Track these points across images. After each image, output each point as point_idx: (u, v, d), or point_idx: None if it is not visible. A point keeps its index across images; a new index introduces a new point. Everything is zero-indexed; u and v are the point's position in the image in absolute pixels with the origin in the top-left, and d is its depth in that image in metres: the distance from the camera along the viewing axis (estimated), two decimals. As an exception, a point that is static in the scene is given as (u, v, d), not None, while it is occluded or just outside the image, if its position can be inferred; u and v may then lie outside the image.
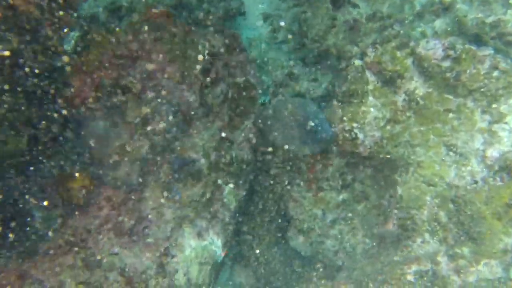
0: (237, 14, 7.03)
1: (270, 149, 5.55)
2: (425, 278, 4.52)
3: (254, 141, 5.53)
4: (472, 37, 5.62)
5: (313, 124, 5.07)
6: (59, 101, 4.43)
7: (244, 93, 5.42)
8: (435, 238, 4.63)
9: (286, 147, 5.40)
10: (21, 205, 4.36)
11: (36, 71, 4.13)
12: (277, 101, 5.78)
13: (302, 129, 5.21)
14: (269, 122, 5.45)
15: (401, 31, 5.90)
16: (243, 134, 5.47)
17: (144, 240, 4.81)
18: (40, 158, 4.41)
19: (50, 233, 4.53)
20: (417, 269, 4.55)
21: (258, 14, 7.34)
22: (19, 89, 4.07)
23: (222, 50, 5.27)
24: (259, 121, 5.44)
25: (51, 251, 4.52)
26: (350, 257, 5.32)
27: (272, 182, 5.73)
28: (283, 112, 5.39)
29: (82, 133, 4.55)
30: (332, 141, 5.22)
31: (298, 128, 5.26)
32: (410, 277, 4.51)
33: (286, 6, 7.28)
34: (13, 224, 4.33)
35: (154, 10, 4.92)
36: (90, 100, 4.58)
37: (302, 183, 5.60)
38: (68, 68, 4.48)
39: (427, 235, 4.66)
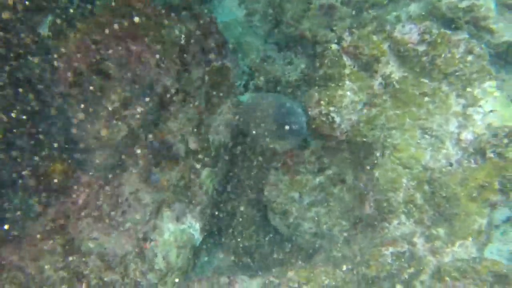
0: (212, -2, 7.03)
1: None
2: (402, 259, 4.59)
3: (231, 125, 5.56)
4: (446, 21, 5.69)
5: (287, 122, 5.12)
6: (37, 86, 4.39)
7: (221, 77, 5.43)
8: (411, 219, 4.71)
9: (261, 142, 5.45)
10: (-1, 191, 4.34)
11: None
12: (252, 97, 5.82)
13: (277, 126, 5.25)
14: (244, 118, 5.48)
15: (377, 16, 5.96)
16: (220, 118, 5.49)
17: (123, 225, 4.81)
18: (17, 144, 4.37)
19: (28, 220, 4.51)
20: (394, 250, 4.62)
21: (233, -2, 7.34)
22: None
23: (198, 33, 5.26)
24: (236, 116, 5.48)
25: (31, 237, 4.50)
26: (327, 239, 5.39)
27: (248, 165, 5.77)
28: (258, 109, 5.41)
29: (59, 119, 4.51)
30: (304, 137, 5.29)
31: (273, 125, 5.29)
32: (387, 258, 4.58)
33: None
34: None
35: (130, -6, 4.87)
36: (67, 85, 4.54)
37: (278, 166, 5.65)
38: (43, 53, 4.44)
39: (403, 217, 4.73)
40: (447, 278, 4.45)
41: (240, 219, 5.94)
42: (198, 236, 5.31)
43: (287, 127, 5.10)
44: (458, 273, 4.43)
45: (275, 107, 5.26)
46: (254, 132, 5.37)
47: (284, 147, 5.42)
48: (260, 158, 5.78)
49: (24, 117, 4.33)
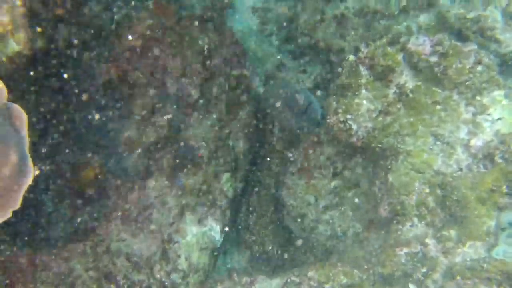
0: (227, 7, 7.22)
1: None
2: (415, 259, 4.82)
3: (249, 131, 5.79)
4: (455, 31, 5.92)
5: (303, 102, 5.37)
6: (70, 94, 4.63)
7: (240, 85, 5.66)
8: (423, 222, 4.93)
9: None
10: (33, 194, 4.55)
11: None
12: (269, 86, 6.07)
13: (293, 109, 5.50)
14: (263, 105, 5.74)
15: (388, 26, 6.19)
16: (238, 125, 5.71)
17: (149, 227, 5.03)
18: (51, 148, 4.60)
19: (61, 223, 4.74)
20: (407, 251, 4.84)
21: (247, 7, 7.54)
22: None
23: (220, 43, 5.50)
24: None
25: (62, 239, 4.73)
26: (342, 241, 5.62)
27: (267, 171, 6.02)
28: (275, 96, 5.66)
29: (91, 125, 4.75)
30: (321, 119, 5.53)
31: (289, 109, 5.54)
32: (401, 258, 4.81)
33: (274, -1, 7.51)
34: (25, 212, 4.53)
35: (158, 3, 5.09)
36: (98, 94, 4.77)
37: (295, 171, 5.88)
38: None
39: (416, 219, 4.95)
40: (458, 277, 4.68)
41: (258, 221, 6.17)
42: (218, 238, 5.54)
43: (302, 108, 5.38)
44: (468, 272, 4.66)
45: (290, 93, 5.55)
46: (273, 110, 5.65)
47: (302, 126, 5.64)
48: (277, 161, 6.03)
49: (59, 122, 4.56)
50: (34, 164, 4.24)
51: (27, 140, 2.90)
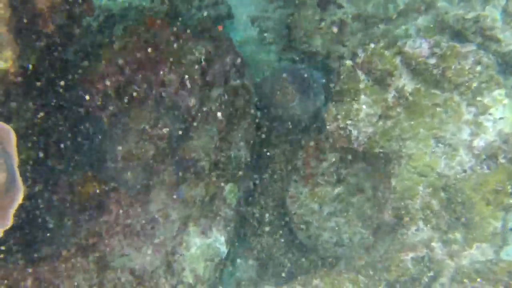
0: (225, 18, 7.23)
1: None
2: (422, 264, 4.77)
3: (251, 141, 5.77)
4: (454, 33, 5.89)
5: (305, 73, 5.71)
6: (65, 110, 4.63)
7: (239, 95, 5.64)
8: (428, 225, 4.88)
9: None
10: (35, 211, 4.55)
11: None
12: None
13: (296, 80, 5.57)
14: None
15: (386, 30, 6.17)
16: (240, 135, 5.69)
17: (152, 240, 5.01)
18: (51, 163, 4.60)
19: (63, 238, 4.73)
20: (414, 255, 4.79)
21: (245, 17, 7.55)
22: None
23: (217, 54, 5.49)
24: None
25: (65, 255, 4.72)
26: (347, 247, 5.58)
27: (270, 178, 5.99)
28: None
29: (91, 139, 4.75)
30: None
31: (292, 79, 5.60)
32: (407, 263, 4.76)
33: (273, 7, 7.50)
34: (27, 229, 4.53)
35: (151, 19, 5.10)
36: (97, 108, 4.77)
37: (298, 179, 5.85)
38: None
39: (421, 223, 4.90)
40: (465, 280, 4.62)
41: (264, 230, 6.14)
42: (223, 249, 5.50)
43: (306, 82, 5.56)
44: (476, 274, 4.61)
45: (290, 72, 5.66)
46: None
47: (307, 109, 5.67)
48: (282, 167, 6.01)
49: (58, 137, 4.56)
50: (33, 181, 4.28)
51: (15, 159, 2.88)
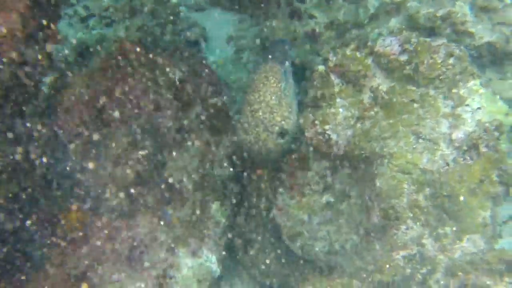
0: (200, 39, 7.28)
1: None
2: (414, 261, 4.72)
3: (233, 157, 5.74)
4: (426, 31, 5.91)
5: None
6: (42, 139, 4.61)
7: (218, 113, 5.63)
8: (418, 222, 4.84)
9: None
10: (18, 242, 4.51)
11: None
12: None
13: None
14: None
15: (359, 35, 6.20)
16: (222, 152, 5.67)
17: (142, 265, 4.96)
18: (33, 196, 4.58)
19: (50, 268, 4.68)
20: (405, 254, 4.75)
21: (221, 37, 7.60)
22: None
23: (191, 74, 5.49)
24: None
25: (55, 286, 4.66)
26: (340, 255, 5.51)
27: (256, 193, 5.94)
28: None
29: (69, 168, 4.72)
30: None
31: None
32: (399, 262, 4.71)
33: (246, 26, 7.55)
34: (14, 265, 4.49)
35: (124, 44, 5.11)
36: (72, 136, 4.76)
37: (284, 191, 5.80)
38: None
39: (409, 221, 4.86)
40: (459, 273, 4.57)
41: (255, 244, 6.08)
42: (216, 268, 5.45)
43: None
44: (469, 266, 4.56)
45: None
46: None
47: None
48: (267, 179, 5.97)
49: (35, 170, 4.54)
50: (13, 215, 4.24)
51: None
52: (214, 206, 5.53)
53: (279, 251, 6.01)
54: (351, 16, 6.49)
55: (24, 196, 4.53)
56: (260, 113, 5.61)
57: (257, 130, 5.66)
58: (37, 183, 4.61)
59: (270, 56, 5.78)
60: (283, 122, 5.64)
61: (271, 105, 5.61)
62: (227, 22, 7.66)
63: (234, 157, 5.75)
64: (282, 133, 5.66)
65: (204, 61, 5.88)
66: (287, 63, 5.81)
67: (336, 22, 6.49)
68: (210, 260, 5.41)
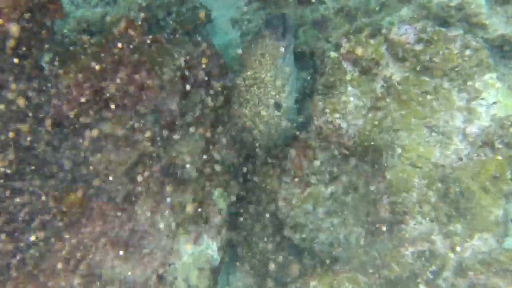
0: (205, 22, 7.07)
1: None
2: (423, 258, 4.60)
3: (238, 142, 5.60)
4: (439, 21, 5.74)
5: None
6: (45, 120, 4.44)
7: (223, 97, 5.47)
8: (427, 218, 4.71)
9: None
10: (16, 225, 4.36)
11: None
12: None
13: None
14: None
15: (370, 22, 6.02)
16: (226, 137, 5.51)
17: (141, 251, 4.81)
18: (30, 178, 4.41)
19: (47, 255, 4.53)
20: (414, 250, 4.63)
21: (226, 20, 7.41)
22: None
23: (197, 56, 5.32)
24: None
25: (52, 270, 4.51)
26: (345, 248, 5.37)
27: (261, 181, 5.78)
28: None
29: (68, 150, 4.55)
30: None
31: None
32: (408, 259, 4.59)
33: (252, 9, 7.36)
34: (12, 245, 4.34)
35: (130, 23, 4.93)
36: (72, 116, 4.58)
37: (289, 180, 5.64)
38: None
39: (419, 217, 4.73)
40: (470, 272, 4.45)
41: (257, 234, 5.93)
42: (216, 256, 5.30)
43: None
44: (480, 266, 4.43)
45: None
46: None
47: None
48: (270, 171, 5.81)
49: (35, 149, 4.37)
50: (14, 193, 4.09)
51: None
52: (217, 192, 5.37)
53: (280, 242, 5.86)
54: (362, 3, 6.31)
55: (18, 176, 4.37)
56: (255, 88, 5.62)
57: (252, 103, 5.56)
58: (39, 163, 4.44)
59: (267, 32, 5.76)
60: (277, 96, 5.59)
61: (266, 82, 5.64)
62: (233, 4, 7.48)
63: (236, 141, 5.61)
64: (277, 105, 5.54)
65: (209, 43, 5.68)
66: (287, 37, 5.78)
67: (346, 8, 6.31)
68: (211, 248, 5.27)
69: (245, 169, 5.75)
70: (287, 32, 5.79)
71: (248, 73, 5.68)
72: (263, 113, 5.67)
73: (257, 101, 5.62)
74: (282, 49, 5.69)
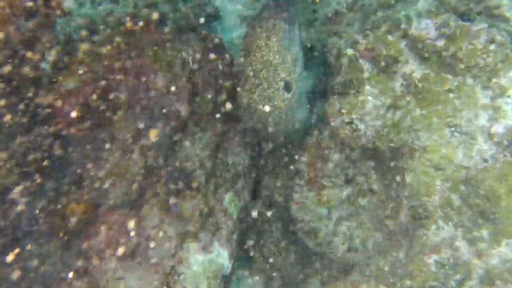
0: (213, 19, 6.85)
1: None
2: (447, 266, 4.36)
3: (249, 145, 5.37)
4: (458, 14, 5.49)
5: None
6: (46, 126, 4.23)
7: (233, 97, 5.24)
8: (450, 223, 4.47)
9: None
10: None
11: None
12: None
13: None
14: None
15: (386, 17, 5.77)
16: (236, 139, 5.29)
17: (149, 261, 4.59)
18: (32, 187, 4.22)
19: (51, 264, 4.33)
20: (436, 257, 4.39)
21: (234, 16, 7.18)
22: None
23: (206, 54, 5.10)
24: None
25: (56, 284, 4.31)
26: (361, 253, 5.14)
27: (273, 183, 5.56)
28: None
29: (72, 155, 4.34)
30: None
31: None
32: (431, 267, 4.35)
33: (261, 4, 7.13)
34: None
35: (132, 22, 4.71)
36: (76, 119, 4.36)
37: (302, 183, 5.40)
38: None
39: (441, 221, 4.49)
40: (497, 281, 4.21)
41: (269, 239, 5.71)
42: (227, 264, 5.08)
43: None
44: (509, 274, 4.19)
45: None
46: None
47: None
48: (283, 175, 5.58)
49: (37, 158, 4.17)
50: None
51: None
52: (227, 197, 5.14)
53: (293, 247, 5.64)
54: (377, -3, 6.05)
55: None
56: (264, 72, 5.31)
57: (261, 87, 5.30)
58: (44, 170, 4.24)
59: (268, 12, 5.56)
60: (287, 78, 5.38)
61: (275, 64, 5.35)
62: (241, 1, 7.26)
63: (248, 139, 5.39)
64: (287, 86, 5.33)
65: (219, 41, 5.45)
66: (290, 13, 5.60)
67: (360, 2, 6.05)
68: (222, 256, 5.04)
69: (254, 175, 5.55)
70: (289, 5, 5.63)
71: (255, 57, 5.40)
72: (274, 96, 5.41)
73: (267, 85, 5.36)
74: (287, 26, 5.45)
